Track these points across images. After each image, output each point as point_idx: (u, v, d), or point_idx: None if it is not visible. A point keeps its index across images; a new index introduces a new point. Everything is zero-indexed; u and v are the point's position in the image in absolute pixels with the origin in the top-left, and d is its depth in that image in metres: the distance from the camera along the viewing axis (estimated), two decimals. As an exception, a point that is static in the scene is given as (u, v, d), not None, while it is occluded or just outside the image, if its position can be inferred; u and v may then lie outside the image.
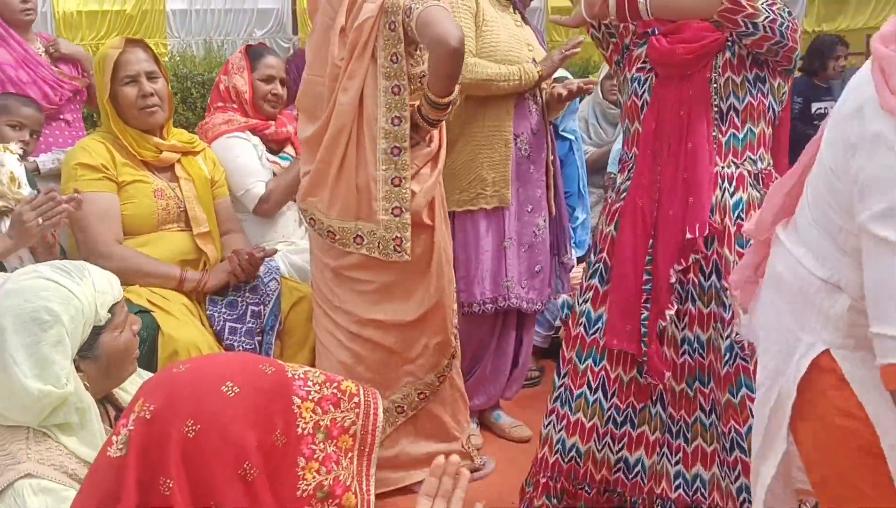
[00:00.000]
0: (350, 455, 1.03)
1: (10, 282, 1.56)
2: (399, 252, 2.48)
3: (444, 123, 2.61)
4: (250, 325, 2.69)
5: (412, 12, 2.32)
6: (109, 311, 1.58)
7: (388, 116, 2.42)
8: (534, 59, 3.02)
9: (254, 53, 3.19)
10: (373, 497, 1.07)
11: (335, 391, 1.03)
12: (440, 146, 2.65)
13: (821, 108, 4.83)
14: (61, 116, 3.41)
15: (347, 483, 1.01)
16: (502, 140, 2.97)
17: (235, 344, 2.64)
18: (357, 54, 2.42)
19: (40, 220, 2.27)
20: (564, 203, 3.31)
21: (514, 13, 3.09)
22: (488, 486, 2.88)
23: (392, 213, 2.46)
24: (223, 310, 2.68)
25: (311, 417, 1.00)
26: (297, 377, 1.02)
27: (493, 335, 3.14)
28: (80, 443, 1.50)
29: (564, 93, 3.06)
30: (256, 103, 3.12)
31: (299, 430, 0.98)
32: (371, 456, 1.07)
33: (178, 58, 6.81)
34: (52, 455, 1.45)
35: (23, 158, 2.72)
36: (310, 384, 1.02)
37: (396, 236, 2.47)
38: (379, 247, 2.49)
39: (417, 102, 2.50)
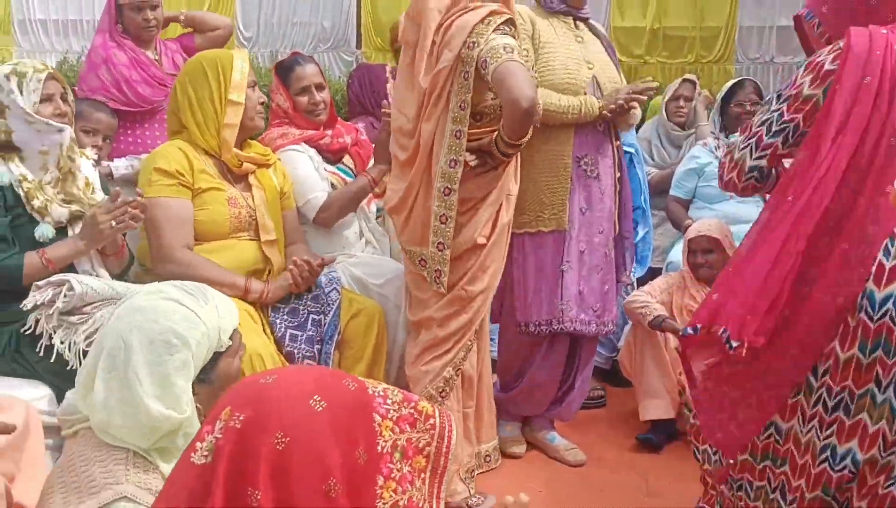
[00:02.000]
0: (423, 475, 1.03)
1: (136, 299, 1.56)
2: (438, 284, 2.66)
3: None
4: (310, 333, 2.72)
5: (487, 66, 2.42)
6: (230, 337, 1.58)
7: (448, 157, 2.56)
8: (595, 79, 2.96)
9: (283, 70, 3.16)
10: None
11: (412, 410, 1.03)
12: (505, 172, 2.72)
13: None
14: None
15: (420, 505, 1.01)
16: (561, 165, 2.96)
17: (295, 351, 2.66)
18: (433, 100, 2.55)
19: (113, 222, 2.33)
20: (630, 222, 3.25)
21: (577, 27, 3.02)
22: (542, 508, 2.85)
23: (436, 247, 2.63)
24: (285, 317, 2.72)
25: (389, 436, 1.00)
26: (377, 394, 1.02)
27: (538, 349, 3.11)
28: None
29: (615, 108, 2.90)
30: (302, 116, 3.13)
31: (379, 448, 0.98)
32: (442, 478, 1.06)
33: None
34: (150, 479, 1.44)
35: (97, 162, 2.79)
36: (389, 402, 1.02)
37: (437, 269, 2.65)
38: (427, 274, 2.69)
39: (496, 133, 2.57)
